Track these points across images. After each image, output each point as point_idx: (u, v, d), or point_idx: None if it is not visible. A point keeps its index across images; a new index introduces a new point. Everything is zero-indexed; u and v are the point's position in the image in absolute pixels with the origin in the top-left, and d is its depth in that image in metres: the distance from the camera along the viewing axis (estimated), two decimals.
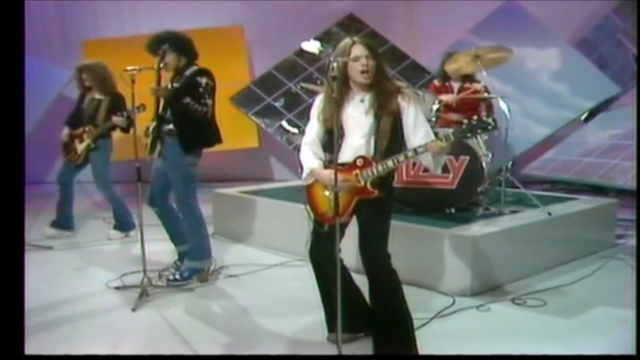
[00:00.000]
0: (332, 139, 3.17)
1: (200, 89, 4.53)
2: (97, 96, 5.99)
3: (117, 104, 5.86)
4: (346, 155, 3.25)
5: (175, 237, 4.93)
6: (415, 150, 3.12)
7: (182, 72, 4.62)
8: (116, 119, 5.74)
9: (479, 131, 3.11)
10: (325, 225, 3.28)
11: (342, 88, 3.22)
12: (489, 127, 3.09)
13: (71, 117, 6.19)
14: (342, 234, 3.35)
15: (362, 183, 3.18)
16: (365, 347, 3.43)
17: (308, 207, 3.38)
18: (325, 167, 3.27)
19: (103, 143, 5.97)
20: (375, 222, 3.26)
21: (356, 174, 3.18)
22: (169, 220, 4.86)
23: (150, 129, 4.62)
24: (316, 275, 3.51)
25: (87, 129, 5.95)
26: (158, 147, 4.61)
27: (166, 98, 4.55)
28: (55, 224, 6.20)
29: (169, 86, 4.60)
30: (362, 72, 3.16)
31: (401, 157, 3.15)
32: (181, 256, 4.92)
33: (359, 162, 3.19)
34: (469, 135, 3.14)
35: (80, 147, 5.99)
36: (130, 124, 5.73)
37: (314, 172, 3.27)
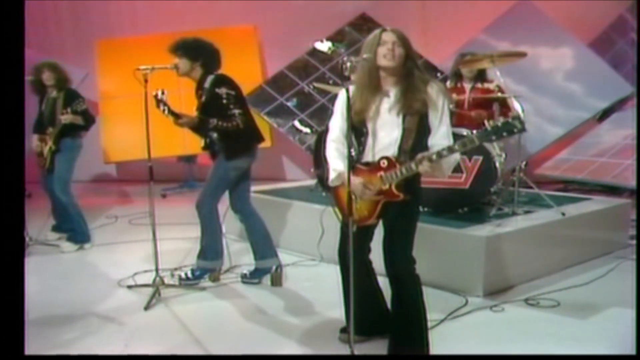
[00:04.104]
0: (357, 136, 3.14)
1: (223, 101, 4.42)
2: (53, 95, 5.69)
3: (69, 100, 5.50)
4: (371, 154, 3.15)
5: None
6: (429, 158, 2.96)
7: (202, 84, 4.52)
8: (64, 118, 5.41)
9: (504, 134, 2.83)
10: (353, 226, 3.17)
11: (372, 83, 3.12)
12: (515, 130, 2.79)
13: (36, 123, 5.88)
14: (371, 235, 3.35)
15: (387, 186, 3.07)
16: (377, 347, 3.42)
17: (336, 209, 3.32)
18: (351, 168, 3.14)
19: (67, 144, 5.66)
20: (401, 224, 3.16)
21: (380, 176, 3.08)
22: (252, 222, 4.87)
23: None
24: (342, 275, 3.38)
25: (48, 131, 5.67)
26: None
27: (193, 126, 4.51)
28: (56, 228, 6.13)
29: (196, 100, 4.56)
30: (385, 55, 3.05)
31: (425, 163, 2.96)
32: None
33: (383, 164, 3.08)
34: (493, 138, 2.88)
35: (45, 150, 5.71)
36: (87, 119, 5.58)
37: (340, 175, 3.17)
